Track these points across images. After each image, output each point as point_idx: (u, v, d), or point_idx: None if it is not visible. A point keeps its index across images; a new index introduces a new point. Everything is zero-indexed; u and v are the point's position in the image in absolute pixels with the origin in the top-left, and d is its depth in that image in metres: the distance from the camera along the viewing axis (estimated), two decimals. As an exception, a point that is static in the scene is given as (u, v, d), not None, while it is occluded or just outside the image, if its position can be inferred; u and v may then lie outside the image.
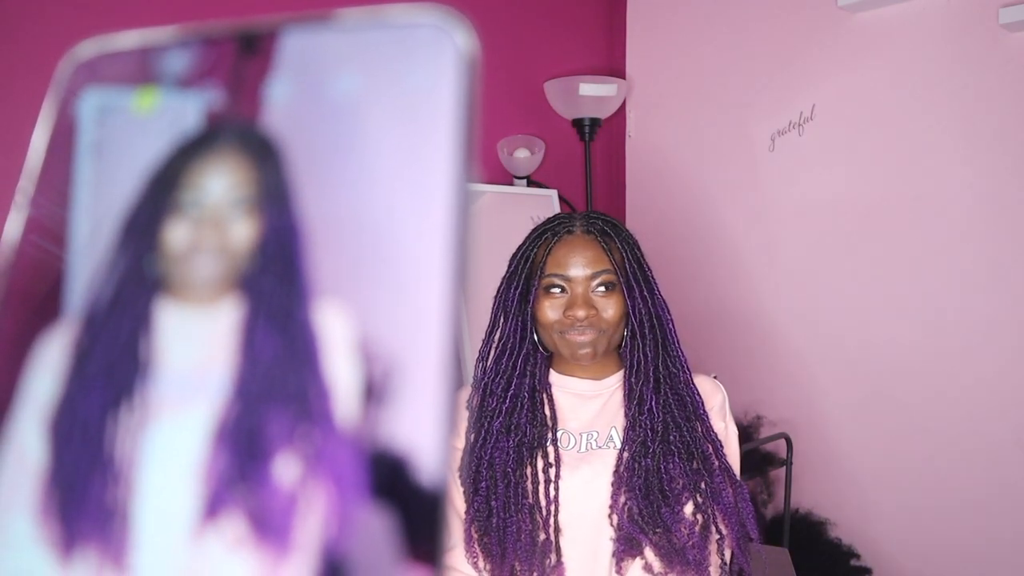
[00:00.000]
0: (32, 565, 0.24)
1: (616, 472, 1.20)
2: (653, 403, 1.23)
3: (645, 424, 1.22)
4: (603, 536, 1.19)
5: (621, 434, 1.24)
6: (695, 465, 1.20)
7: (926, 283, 2.15)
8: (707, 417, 1.25)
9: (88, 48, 0.25)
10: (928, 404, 2.15)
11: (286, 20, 0.23)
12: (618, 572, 1.17)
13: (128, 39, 0.24)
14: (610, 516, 1.18)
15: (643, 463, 1.18)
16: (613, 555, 1.18)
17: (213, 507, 0.23)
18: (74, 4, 1.81)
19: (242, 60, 0.25)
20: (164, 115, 0.25)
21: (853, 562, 2.13)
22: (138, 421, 0.24)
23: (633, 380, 1.25)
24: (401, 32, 0.23)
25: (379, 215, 0.23)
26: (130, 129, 0.26)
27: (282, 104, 0.24)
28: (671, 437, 1.21)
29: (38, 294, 0.25)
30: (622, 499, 1.18)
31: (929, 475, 2.15)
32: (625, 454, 1.20)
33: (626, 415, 1.24)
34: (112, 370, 0.25)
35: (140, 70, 0.25)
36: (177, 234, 0.25)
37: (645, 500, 1.18)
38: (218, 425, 0.24)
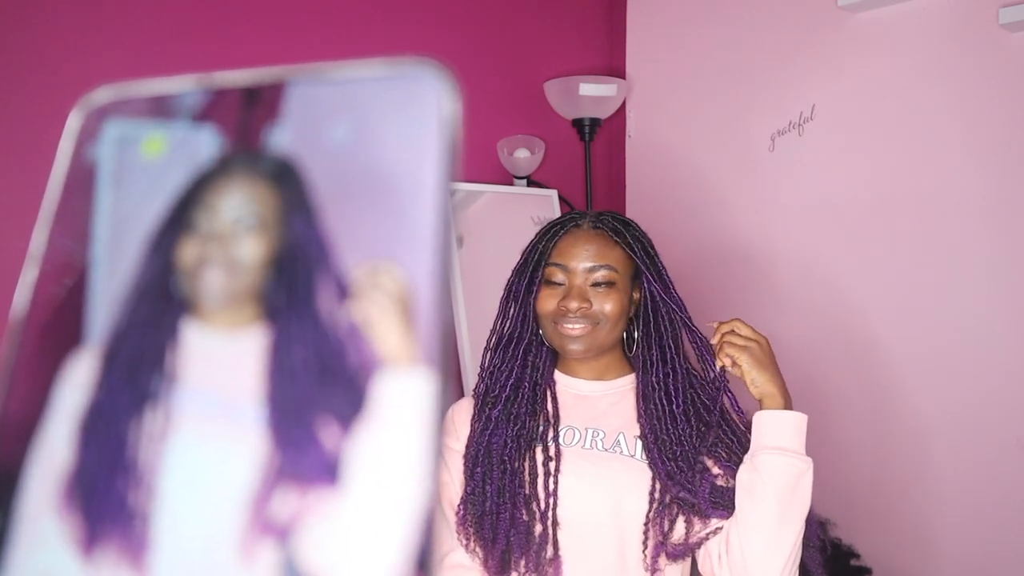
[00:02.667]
0: (59, 564, 0.25)
1: (650, 497, 1.20)
2: (671, 411, 1.24)
3: (667, 441, 1.22)
4: (606, 535, 1.20)
5: (630, 441, 1.24)
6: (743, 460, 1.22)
7: (927, 282, 2.16)
8: (739, 414, 1.27)
9: (102, 95, 0.26)
10: (930, 404, 2.15)
11: (286, 72, 0.25)
12: (652, 570, 1.19)
13: (140, 87, 0.25)
14: (645, 531, 1.19)
15: (674, 493, 1.19)
16: (646, 564, 1.19)
17: (251, 525, 0.25)
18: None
19: (246, 109, 0.26)
20: (176, 152, 0.27)
21: (853, 562, 2.14)
22: (161, 429, 0.26)
23: (645, 384, 1.26)
24: (391, 84, 0.25)
25: (370, 246, 0.25)
26: (144, 164, 0.27)
27: (282, 149, 0.26)
28: (710, 438, 1.22)
29: (60, 319, 0.27)
30: (658, 520, 1.19)
31: (930, 475, 2.15)
32: (656, 483, 1.20)
33: (641, 426, 1.24)
34: (138, 379, 0.26)
35: (150, 115, 0.26)
36: (189, 250, 0.27)
37: (680, 517, 1.20)
38: (253, 443, 0.25)
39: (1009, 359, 2.03)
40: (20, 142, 1.75)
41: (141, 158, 0.27)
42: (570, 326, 1.24)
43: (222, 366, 0.26)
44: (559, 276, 1.26)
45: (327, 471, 0.24)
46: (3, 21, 1.74)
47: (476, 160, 2.45)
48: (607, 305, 1.24)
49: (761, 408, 1.22)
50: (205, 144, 0.26)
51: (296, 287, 0.26)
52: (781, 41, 2.42)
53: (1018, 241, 2.02)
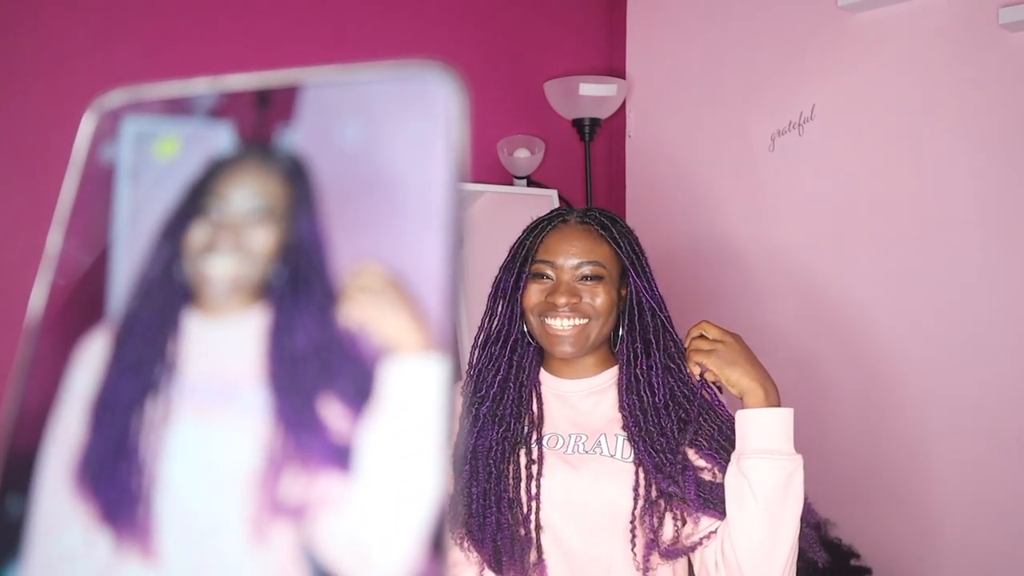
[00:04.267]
0: (77, 546, 0.26)
1: (635, 493, 1.20)
2: (654, 403, 1.23)
3: (652, 432, 1.21)
4: (590, 537, 1.20)
5: (611, 441, 1.24)
6: (728, 449, 1.21)
7: (926, 282, 2.16)
8: (723, 407, 1.26)
9: (115, 98, 0.26)
10: (929, 403, 2.16)
11: (299, 75, 0.26)
12: (644, 569, 1.18)
13: (152, 90, 0.26)
14: (632, 530, 1.19)
15: (663, 487, 1.18)
16: (636, 563, 1.18)
17: (260, 506, 0.25)
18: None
19: (259, 110, 0.27)
20: (191, 148, 0.27)
21: (853, 562, 2.14)
22: (162, 416, 0.26)
23: (628, 376, 1.25)
24: (400, 86, 0.26)
25: (379, 241, 0.26)
26: (160, 161, 0.28)
27: (295, 148, 0.27)
28: (689, 433, 1.21)
29: (78, 310, 0.28)
30: (646, 517, 1.19)
31: (930, 475, 2.16)
32: (640, 478, 1.20)
33: (624, 417, 1.24)
34: (141, 366, 0.27)
35: (164, 114, 0.27)
36: (198, 234, 0.27)
37: (668, 512, 1.19)
38: (255, 427, 0.26)
39: (1007, 358, 2.04)
40: (24, 143, 1.76)
41: (155, 158, 0.27)
42: (559, 324, 1.23)
43: (222, 353, 0.27)
44: (547, 272, 1.25)
45: (337, 456, 0.25)
46: (5, 25, 1.75)
47: (476, 160, 2.45)
48: (597, 299, 1.23)
49: (744, 405, 1.20)
50: (220, 140, 0.27)
51: (300, 278, 0.26)
52: (781, 41, 2.42)
53: (1017, 241, 2.02)
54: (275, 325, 0.26)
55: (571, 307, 1.22)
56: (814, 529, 1.23)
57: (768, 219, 2.46)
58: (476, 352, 1.31)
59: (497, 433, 1.23)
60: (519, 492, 1.20)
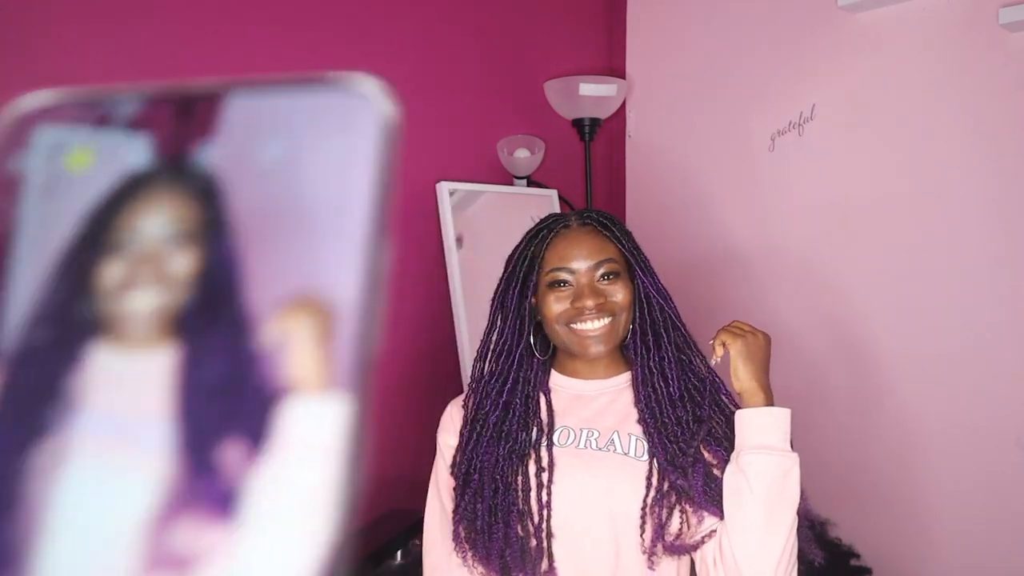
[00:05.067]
0: None
1: (647, 482, 1.20)
2: (668, 393, 1.23)
3: (667, 423, 1.21)
4: (599, 535, 1.20)
5: (624, 439, 1.24)
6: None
7: (927, 283, 2.15)
8: (729, 396, 1.26)
9: (27, 103, 0.25)
10: (929, 404, 2.15)
11: (223, 84, 0.25)
12: (650, 554, 1.18)
13: (71, 94, 0.25)
14: (642, 526, 1.19)
15: (672, 480, 1.19)
16: (644, 547, 1.18)
17: (146, 558, 0.23)
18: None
19: (180, 121, 0.26)
20: (104, 164, 0.26)
21: (853, 562, 2.13)
22: (54, 460, 0.24)
23: (642, 368, 1.25)
24: (328, 100, 0.25)
25: (295, 267, 0.25)
26: (71, 176, 0.27)
27: (212, 165, 0.26)
28: (703, 432, 1.21)
29: None
30: (655, 508, 1.19)
31: (930, 475, 2.15)
32: (654, 468, 1.20)
33: (640, 411, 1.24)
34: (29, 410, 0.24)
35: (81, 123, 0.26)
36: (112, 271, 0.25)
37: (677, 508, 1.19)
38: (150, 469, 0.24)
39: (1007, 358, 2.03)
40: None
41: (67, 170, 0.26)
42: (588, 326, 1.23)
43: (128, 388, 0.25)
44: (564, 278, 1.25)
45: (227, 502, 0.23)
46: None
47: (476, 160, 2.45)
48: (619, 294, 1.24)
49: (743, 405, 1.21)
50: (134, 157, 0.26)
51: (213, 308, 0.25)
52: (781, 41, 2.41)
53: (1018, 240, 2.01)
54: (182, 359, 0.25)
55: (599, 307, 1.23)
56: (810, 528, 1.23)
57: (768, 219, 2.45)
58: (479, 365, 1.30)
59: (504, 449, 1.22)
60: (529, 502, 1.20)
